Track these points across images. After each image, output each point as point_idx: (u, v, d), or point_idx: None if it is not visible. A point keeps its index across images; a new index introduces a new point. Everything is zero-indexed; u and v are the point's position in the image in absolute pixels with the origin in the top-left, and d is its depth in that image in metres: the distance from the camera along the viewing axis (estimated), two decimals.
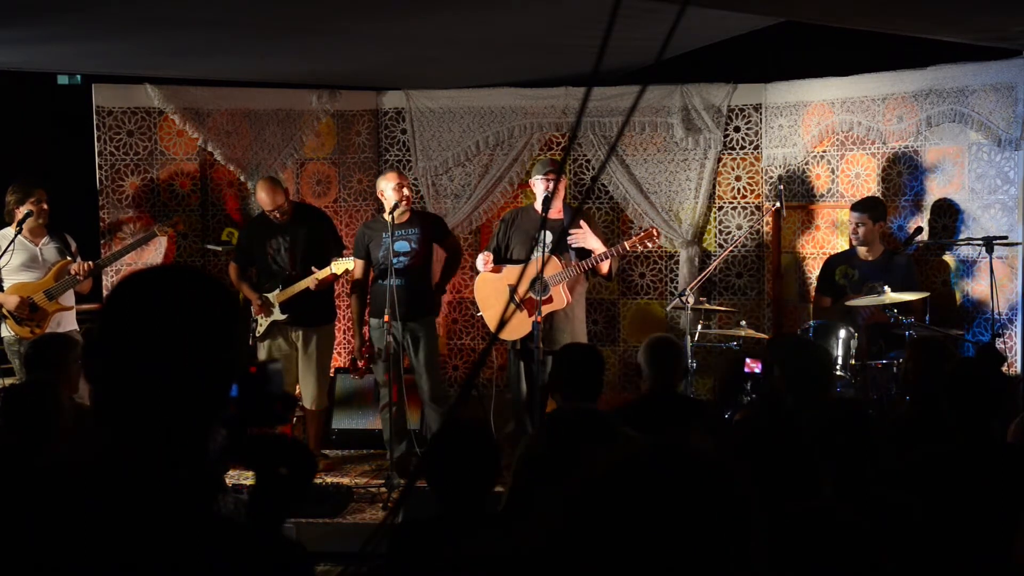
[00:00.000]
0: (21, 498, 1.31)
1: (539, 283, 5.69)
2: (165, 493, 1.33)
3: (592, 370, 3.95)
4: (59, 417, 3.63)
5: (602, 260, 5.81)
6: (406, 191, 5.94)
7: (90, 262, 6.06)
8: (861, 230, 5.91)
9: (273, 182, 6.11)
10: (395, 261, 5.89)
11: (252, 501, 1.47)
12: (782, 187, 6.58)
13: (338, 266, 5.97)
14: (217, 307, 1.44)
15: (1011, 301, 5.90)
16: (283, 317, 6.07)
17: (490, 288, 6.03)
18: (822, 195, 6.64)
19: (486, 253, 5.98)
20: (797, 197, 6.72)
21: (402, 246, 5.99)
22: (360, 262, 6.08)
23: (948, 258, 6.17)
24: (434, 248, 6.22)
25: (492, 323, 6.20)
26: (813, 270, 6.55)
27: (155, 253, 6.67)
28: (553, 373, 4.08)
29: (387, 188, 5.95)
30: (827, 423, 2.69)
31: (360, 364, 6.32)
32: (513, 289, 5.78)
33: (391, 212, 5.88)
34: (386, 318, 5.69)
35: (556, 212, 6.06)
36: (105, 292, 6.61)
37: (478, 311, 6.27)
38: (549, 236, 5.92)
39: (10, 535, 1.28)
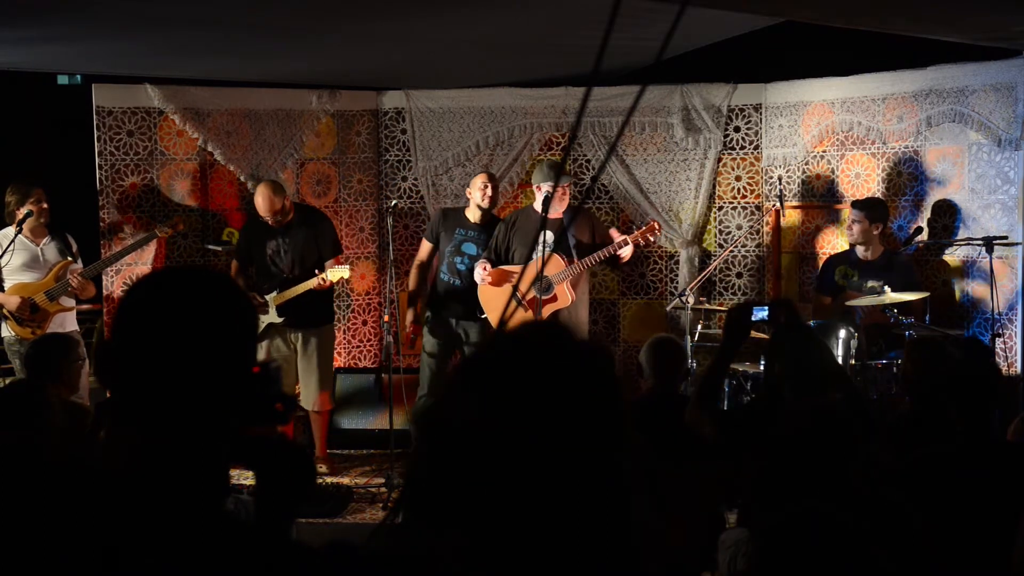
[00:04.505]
0: (30, 495, 1.31)
1: (540, 282, 5.69)
2: (181, 493, 1.33)
3: None
4: (49, 417, 3.61)
5: (621, 247, 5.79)
6: (490, 191, 6.06)
7: (79, 273, 5.95)
8: (856, 227, 5.91)
9: (273, 188, 5.97)
10: (458, 260, 6.06)
11: (256, 503, 1.47)
12: (782, 187, 6.58)
13: (334, 274, 5.94)
14: (235, 308, 1.44)
15: (1011, 301, 5.90)
16: (279, 320, 6.03)
17: (493, 291, 6.02)
18: (822, 195, 6.64)
19: (482, 261, 5.96)
20: (797, 197, 6.72)
21: (469, 248, 6.05)
22: (429, 246, 6.26)
23: (948, 258, 6.17)
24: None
25: (495, 325, 6.20)
26: (813, 270, 6.55)
27: (150, 253, 6.62)
28: None
29: (475, 188, 6.10)
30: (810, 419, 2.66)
31: (407, 335, 6.40)
32: (515, 287, 5.77)
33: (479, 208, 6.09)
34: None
35: (556, 212, 6.07)
36: (105, 293, 6.61)
37: (482, 314, 6.26)
38: (550, 236, 5.93)
39: (20, 531, 1.28)
